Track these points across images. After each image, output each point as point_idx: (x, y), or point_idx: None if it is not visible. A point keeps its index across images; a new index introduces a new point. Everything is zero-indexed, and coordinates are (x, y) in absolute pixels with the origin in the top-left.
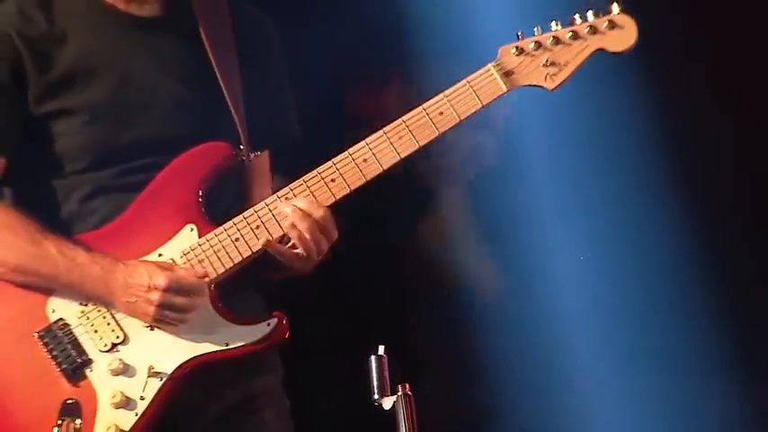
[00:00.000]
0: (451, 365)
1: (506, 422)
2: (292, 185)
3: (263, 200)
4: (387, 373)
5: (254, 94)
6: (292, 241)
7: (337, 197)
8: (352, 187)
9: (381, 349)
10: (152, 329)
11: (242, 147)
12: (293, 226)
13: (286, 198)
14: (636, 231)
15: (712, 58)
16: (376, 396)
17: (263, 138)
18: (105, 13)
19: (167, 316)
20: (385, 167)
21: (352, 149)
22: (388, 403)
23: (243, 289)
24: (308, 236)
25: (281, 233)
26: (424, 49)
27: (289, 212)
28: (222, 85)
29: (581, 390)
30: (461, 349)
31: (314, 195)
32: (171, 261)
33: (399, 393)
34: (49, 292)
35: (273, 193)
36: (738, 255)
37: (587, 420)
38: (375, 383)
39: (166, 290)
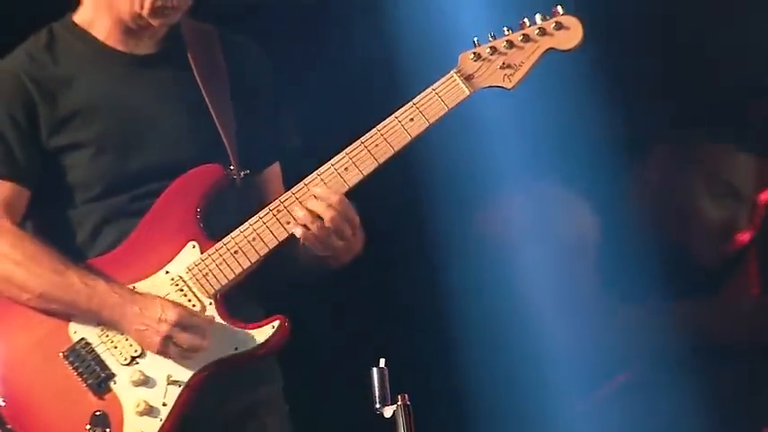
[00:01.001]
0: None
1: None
2: (283, 197)
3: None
4: (387, 384)
5: (248, 117)
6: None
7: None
8: None
9: (382, 362)
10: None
11: (232, 167)
12: (315, 216)
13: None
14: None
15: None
16: (377, 405)
17: (263, 155)
18: (106, 53)
19: (170, 350)
20: (365, 173)
21: (333, 160)
22: (388, 412)
23: (247, 300)
24: (330, 225)
25: (277, 242)
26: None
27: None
28: (212, 112)
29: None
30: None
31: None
32: (179, 278)
33: (399, 403)
34: (70, 313)
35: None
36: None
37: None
38: (377, 393)
39: (175, 324)
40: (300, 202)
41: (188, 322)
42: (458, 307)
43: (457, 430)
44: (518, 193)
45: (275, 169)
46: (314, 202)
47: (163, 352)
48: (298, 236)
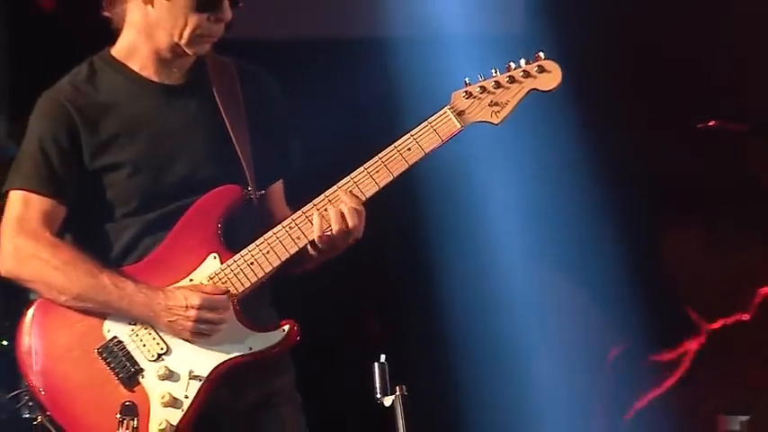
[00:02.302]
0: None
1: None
2: (295, 215)
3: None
4: (387, 377)
5: (260, 141)
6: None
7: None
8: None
9: (383, 357)
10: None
11: (249, 188)
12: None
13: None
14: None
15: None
16: (378, 395)
17: (272, 173)
18: (140, 83)
19: (203, 329)
20: (367, 196)
21: (340, 183)
22: (388, 401)
23: (261, 305)
24: (351, 228)
25: (288, 255)
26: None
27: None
28: (233, 137)
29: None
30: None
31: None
32: (201, 285)
33: (397, 393)
34: (103, 315)
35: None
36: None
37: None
38: (378, 385)
39: (200, 308)
40: (311, 221)
41: (210, 303)
42: (453, 308)
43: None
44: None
45: (278, 186)
46: (344, 206)
47: (197, 334)
48: (316, 235)
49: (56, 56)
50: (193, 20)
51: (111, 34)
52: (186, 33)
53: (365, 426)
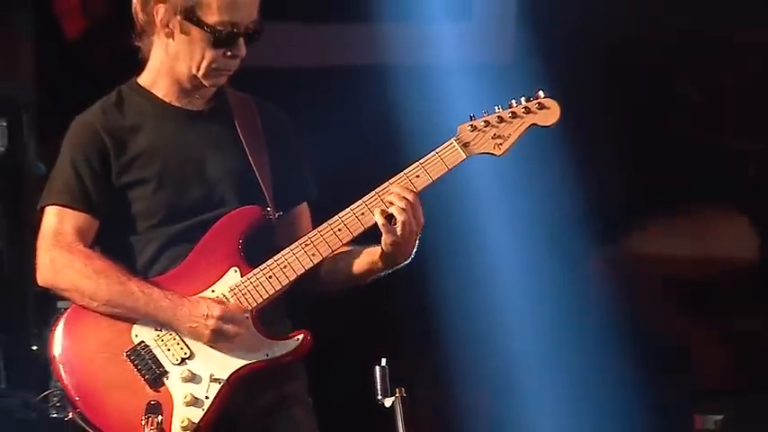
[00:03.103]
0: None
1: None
2: (311, 233)
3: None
4: (388, 380)
5: (279, 168)
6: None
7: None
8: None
9: (384, 361)
10: (211, 347)
11: (269, 209)
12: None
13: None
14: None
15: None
16: (379, 397)
17: (289, 199)
18: (164, 108)
19: (220, 337)
20: (368, 224)
21: (353, 206)
22: (388, 402)
23: (278, 315)
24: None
25: (304, 270)
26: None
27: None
28: (252, 161)
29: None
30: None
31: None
32: (222, 296)
33: (397, 395)
34: (131, 320)
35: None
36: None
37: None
38: (379, 387)
39: (220, 318)
40: (325, 240)
41: (229, 315)
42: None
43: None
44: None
45: (303, 209)
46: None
47: (213, 342)
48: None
49: (80, 82)
50: (210, 55)
51: (128, 62)
52: (203, 66)
53: (367, 425)
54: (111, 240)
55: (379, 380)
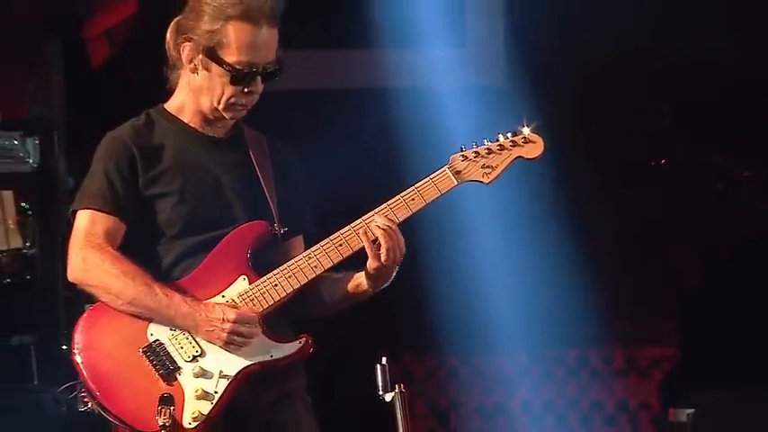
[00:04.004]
0: None
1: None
2: (314, 247)
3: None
4: (388, 376)
5: (284, 199)
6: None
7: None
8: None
9: (384, 360)
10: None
11: (276, 225)
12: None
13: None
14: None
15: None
16: (380, 392)
17: (289, 228)
18: (188, 131)
19: (235, 340)
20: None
21: (353, 225)
22: (388, 397)
23: (282, 320)
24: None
25: (306, 280)
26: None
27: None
28: (263, 184)
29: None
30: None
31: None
32: (232, 301)
33: (396, 390)
34: (148, 320)
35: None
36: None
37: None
38: (380, 383)
39: (235, 322)
40: (327, 253)
41: (243, 318)
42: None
43: None
44: None
45: (299, 239)
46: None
47: (229, 343)
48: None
49: (105, 105)
50: (229, 90)
51: (147, 87)
52: (223, 101)
53: (370, 418)
54: (137, 247)
55: (380, 377)
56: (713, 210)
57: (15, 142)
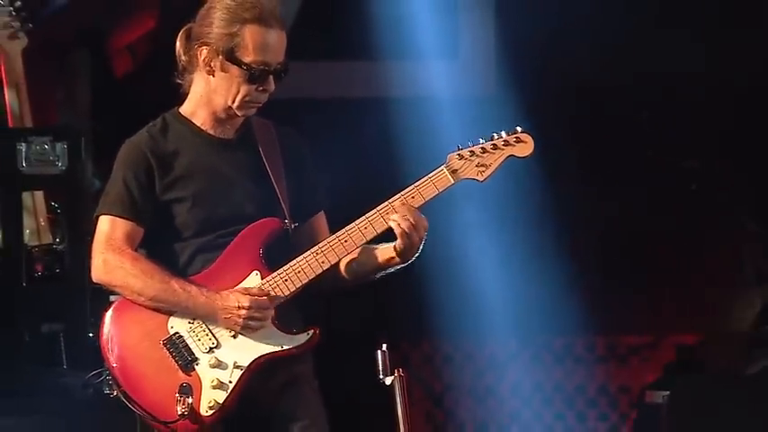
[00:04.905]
0: None
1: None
2: (322, 243)
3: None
4: (388, 361)
5: (295, 183)
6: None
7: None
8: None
9: (384, 346)
10: (235, 338)
11: (287, 221)
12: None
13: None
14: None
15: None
16: (381, 376)
17: (306, 210)
18: (201, 135)
19: (251, 324)
20: (378, 231)
21: (357, 221)
22: (388, 381)
23: (292, 312)
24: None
25: (315, 275)
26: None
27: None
28: (274, 181)
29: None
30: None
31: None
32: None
33: (396, 375)
34: (168, 314)
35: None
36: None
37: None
38: (380, 368)
39: (249, 308)
40: (334, 249)
41: (256, 303)
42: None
43: None
44: None
45: (321, 215)
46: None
47: (246, 327)
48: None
49: (128, 112)
50: (244, 89)
51: (166, 95)
52: (238, 99)
53: (371, 400)
54: (155, 247)
55: (380, 362)
56: (688, 208)
57: (46, 147)
